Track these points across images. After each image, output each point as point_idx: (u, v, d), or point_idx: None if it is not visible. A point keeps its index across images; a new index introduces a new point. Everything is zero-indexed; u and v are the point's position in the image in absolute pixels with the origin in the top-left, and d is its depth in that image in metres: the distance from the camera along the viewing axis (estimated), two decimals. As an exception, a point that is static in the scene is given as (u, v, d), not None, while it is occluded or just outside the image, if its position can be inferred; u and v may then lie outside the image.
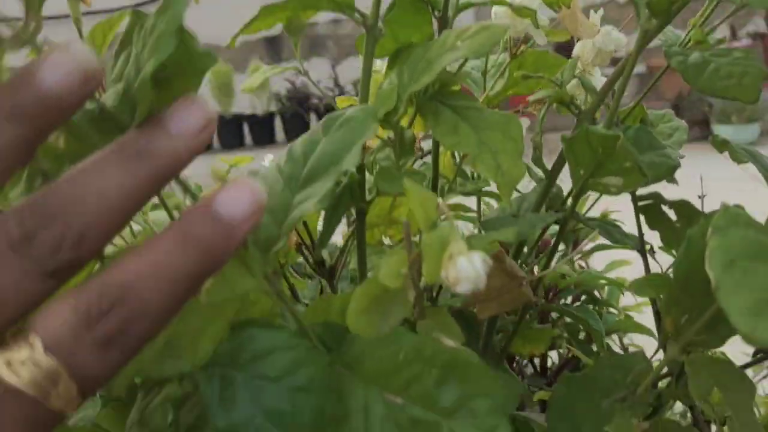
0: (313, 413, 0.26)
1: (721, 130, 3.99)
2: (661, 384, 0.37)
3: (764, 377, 0.63)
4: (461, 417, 0.27)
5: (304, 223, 0.44)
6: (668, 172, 0.36)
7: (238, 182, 0.23)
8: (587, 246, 0.75)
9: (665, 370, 0.32)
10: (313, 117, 4.82)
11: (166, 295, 0.21)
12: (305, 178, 0.30)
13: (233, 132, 5.02)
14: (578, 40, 0.44)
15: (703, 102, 4.20)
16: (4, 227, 0.20)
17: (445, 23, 0.39)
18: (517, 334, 0.42)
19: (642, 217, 0.41)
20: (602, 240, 0.70)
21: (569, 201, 0.41)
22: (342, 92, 4.87)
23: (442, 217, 0.26)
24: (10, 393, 0.19)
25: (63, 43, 0.20)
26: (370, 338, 0.26)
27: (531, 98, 0.42)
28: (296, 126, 4.88)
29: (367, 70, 0.36)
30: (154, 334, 0.21)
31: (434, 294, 0.43)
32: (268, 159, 0.60)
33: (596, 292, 0.61)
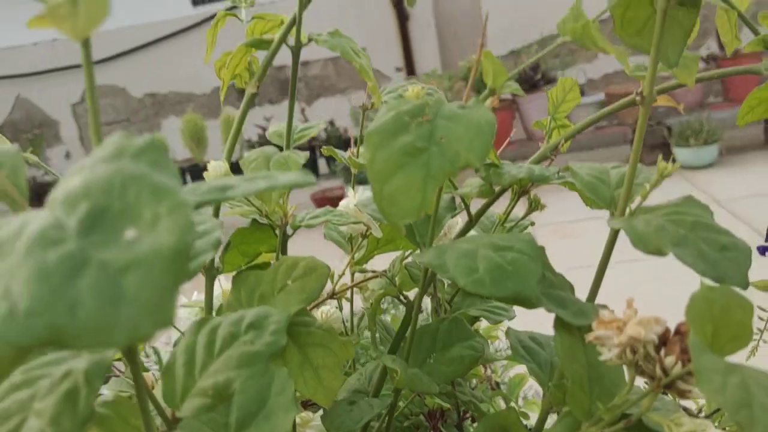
0: None
1: (680, 153, 4.09)
2: None
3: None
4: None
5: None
6: (471, 365, 0.43)
7: None
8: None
9: None
10: (285, 161, 4.89)
11: None
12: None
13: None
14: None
15: (662, 126, 4.32)
16: None
17: (285, 240, 0.46)
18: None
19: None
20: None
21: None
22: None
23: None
24: None
25: None
26: None
27: (366, 294, 0.48)
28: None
29: (209, 307, 0.43)
30: None
31: None
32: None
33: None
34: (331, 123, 5.03)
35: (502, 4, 4.85)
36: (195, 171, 4.99)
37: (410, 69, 5.10)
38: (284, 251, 0.44)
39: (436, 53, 5.20)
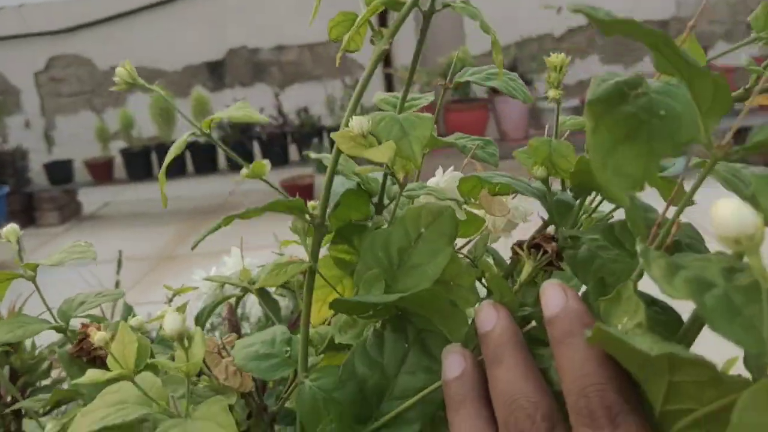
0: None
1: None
2: None
3: None
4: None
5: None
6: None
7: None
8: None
9: None
10: (255, 145, 4.82)
11: None
12: None
13: (175, 160, 4.95)
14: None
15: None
16: None
17: (380, 208, 0.44)
18: None
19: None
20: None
21: None
22: (285, 121, 4.88)
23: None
24: None
25: None
26: None
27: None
28: (238, 154, 4.86)
29: (315, 259, 0.40)
30: None
31: None
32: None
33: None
34: (305, 110, 4.97)
35: (481, 4, 4.84)
36: (161, 149, 4.87)
37: (387, 62, 5.08)
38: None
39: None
